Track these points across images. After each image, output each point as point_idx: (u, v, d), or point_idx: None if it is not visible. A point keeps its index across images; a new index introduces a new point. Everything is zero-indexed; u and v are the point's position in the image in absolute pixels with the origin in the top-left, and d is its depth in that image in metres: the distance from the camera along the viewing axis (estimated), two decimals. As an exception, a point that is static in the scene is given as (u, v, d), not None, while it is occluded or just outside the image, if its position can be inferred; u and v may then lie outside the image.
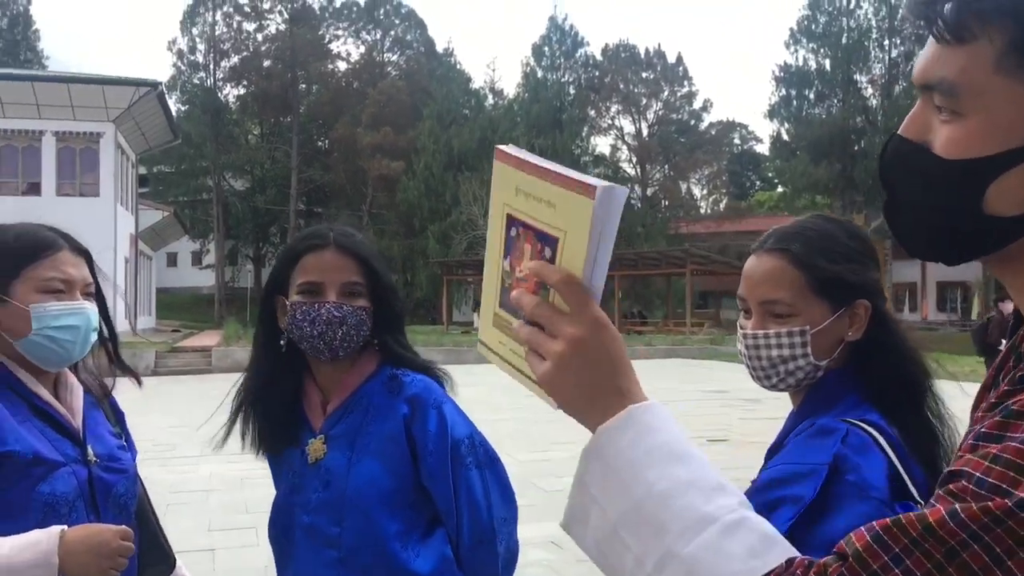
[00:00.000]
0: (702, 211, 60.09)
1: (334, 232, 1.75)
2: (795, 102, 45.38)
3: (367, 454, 1.71)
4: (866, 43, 43.49)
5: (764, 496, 1.22)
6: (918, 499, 1.21)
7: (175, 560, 1.90)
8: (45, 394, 1.67)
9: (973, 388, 0.93)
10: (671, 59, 57.73)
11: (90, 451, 1.67)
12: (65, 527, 1.51)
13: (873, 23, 43.67)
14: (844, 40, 42.93)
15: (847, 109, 43.40)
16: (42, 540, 1.47)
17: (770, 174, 74.91)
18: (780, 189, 66.58)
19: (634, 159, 58.64)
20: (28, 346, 1.65)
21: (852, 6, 44.00)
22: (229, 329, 31.83)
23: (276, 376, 1.79)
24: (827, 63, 44.35)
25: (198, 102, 53.12)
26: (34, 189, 30.26)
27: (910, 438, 1.30)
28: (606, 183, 0.73)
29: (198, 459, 9.95)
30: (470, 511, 1.70)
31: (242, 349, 25.93)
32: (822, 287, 1.38)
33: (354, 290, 1.73)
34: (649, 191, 56.88)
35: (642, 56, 57.45)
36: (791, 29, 45.34)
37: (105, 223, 30.08)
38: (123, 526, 1.55)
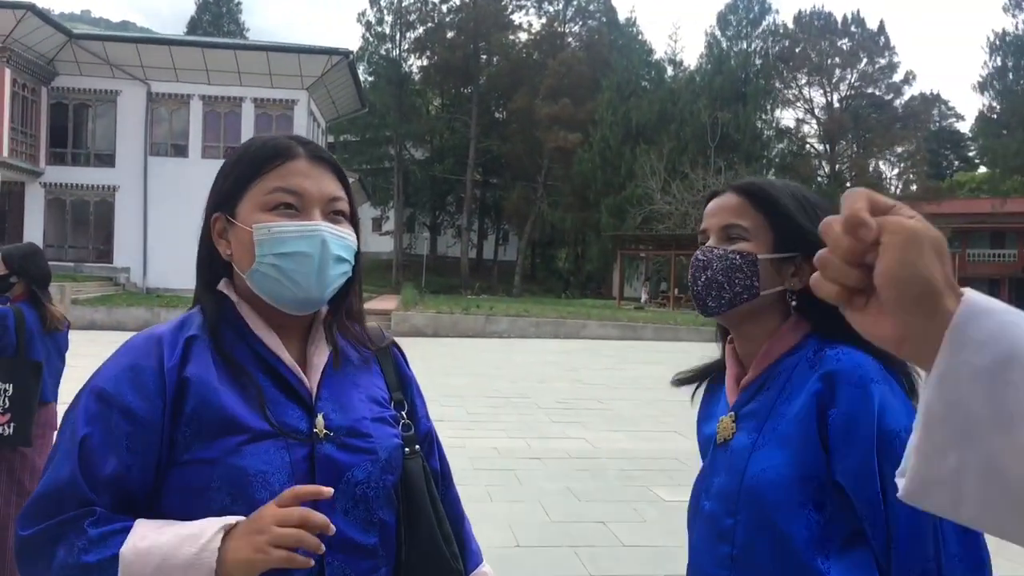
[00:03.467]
0: (891, 191, 56.30)
1: None
2: (1010, 74, 41.41)
3: (773, 438, 1.38)
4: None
5: None
6: None
7: (462, 573, 1.44)
8: (272, 341, 1.30)
9: None
10: (871, 26, 54.24)
11: (320, 420, 1.27)
12: (242, 518, 1.14)
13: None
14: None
15: (1071, 82, 39.30)
16: (205, 531, 1.12)
17: (971, 153, 69.53)
18: (983, 169, 61.71)
19: (822, 133, 55.65)
20: (256, 279, 1.30)
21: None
22: (407, 294, 32.57)
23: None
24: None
25: (383, 73, 54.54)
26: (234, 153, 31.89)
27: None
28: None
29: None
30: (907, 535, 1.25)
31: (419, 314, 26.41)
32: None
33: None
34: (838, 167, 53.87)
35: (839, 23, 54.23)
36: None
37: (296, 187, 31.36)
38: (296, 508, 1.13)
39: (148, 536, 1.12)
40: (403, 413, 1.43)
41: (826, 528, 1.32)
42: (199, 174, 31.32)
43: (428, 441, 1.49)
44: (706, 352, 1.66)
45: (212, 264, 1.36)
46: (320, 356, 1.35)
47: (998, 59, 41.48)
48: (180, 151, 31.61)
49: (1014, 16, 41.44)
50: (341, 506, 1.26)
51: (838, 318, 1.33)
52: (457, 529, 1.47)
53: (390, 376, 1.46)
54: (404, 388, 1.47)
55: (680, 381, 1.67)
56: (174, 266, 30.48)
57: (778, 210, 1.44)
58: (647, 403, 11.99)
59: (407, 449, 1.39)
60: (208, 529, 1.12)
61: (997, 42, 41.29)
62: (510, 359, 18.46)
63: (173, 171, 30.96)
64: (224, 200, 1.33)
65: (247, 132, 31.90)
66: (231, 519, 1.14)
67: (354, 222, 1.38)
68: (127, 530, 1.13)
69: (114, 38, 34.37)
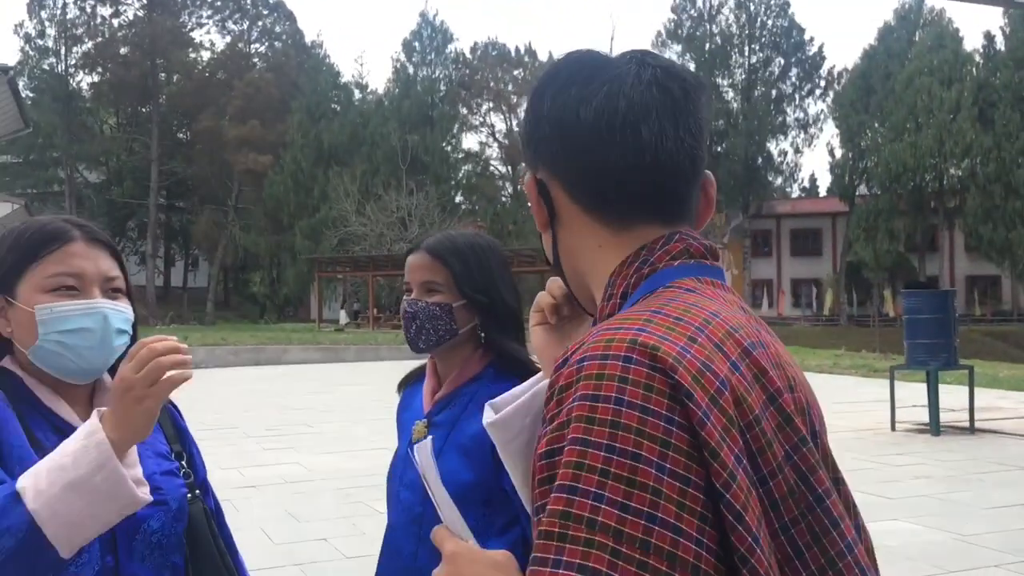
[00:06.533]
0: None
1: None
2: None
3: (455, 447, 1.81)
4: (728, 48, 45.26)
5: None
6: None
7: None
8: (64, 410, 1.46)
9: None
10: (542, 57, 58.41)
11: None
12: (103, 409, 1.31)
13: (734, 29, 45.49)
14: (707, 45, 44.54)
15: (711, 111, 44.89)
16: (90, 434, 1.28)
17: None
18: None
19: (504, 156, 59.09)
20: (40, 355, 1.44)
21: (715, 13, 45.70)
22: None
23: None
24: (692, 66, 45.83)
25: (48, 89, 50.08)
26: None
27: None
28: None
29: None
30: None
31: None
32: None
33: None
34: (519, 187, 57.43)
35: (512, 54, 57.93)
36: (658, 31, 46.68)
37: (-51, 217, 28.06)
38: (144, 348, 1.29)
39: (36, 465, 1.28)
40: (183, 463, 1.61)
41: (489, 518, 1.76)
42: None
43: (203, 485, 1.69)
44: (408, 368, 2.14)
45: None
46: None
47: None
48: None
49: (661, 52, 46.56)
50: (139, 553, 1.43)
51: (511, 354, 1.90)
52: (234, 558, 1.67)
53: (168, 430, 1.64)
54: (182, 440, 1.66)
55: (402, 385, 2.11)
56: None
57: (457, 268, 1.85)
58: (356, 423, 12.36)
59: (189, 495, 1.57)
60: (90, 433, 1.26)
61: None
62: (212, 391, 17.94)
63: None
64: (1, 283, 1.48)
65: None
66: (95, 417, 1.29)
67: (129, 295, 1.56)
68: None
69: None
